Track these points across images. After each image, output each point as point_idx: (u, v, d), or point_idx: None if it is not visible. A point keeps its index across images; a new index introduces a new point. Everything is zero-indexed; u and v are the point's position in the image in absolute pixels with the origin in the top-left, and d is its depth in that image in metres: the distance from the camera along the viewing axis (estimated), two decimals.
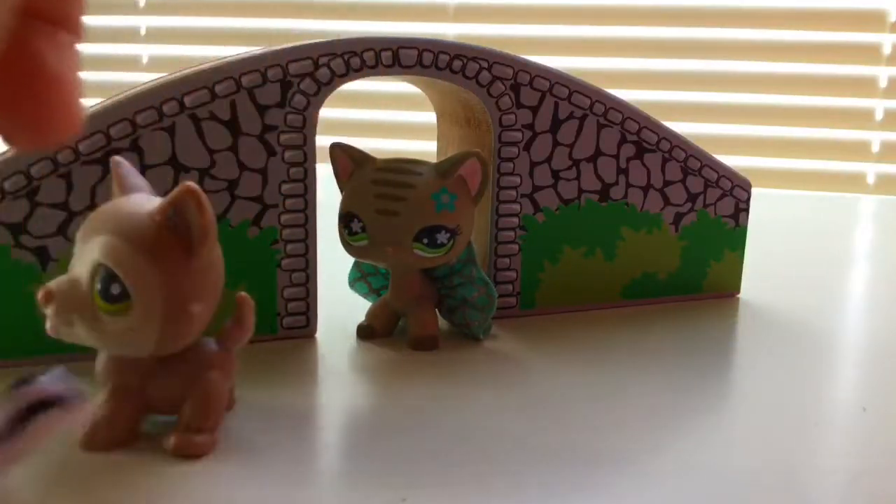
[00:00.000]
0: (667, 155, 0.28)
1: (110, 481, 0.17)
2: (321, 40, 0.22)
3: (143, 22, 1.01)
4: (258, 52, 0.22)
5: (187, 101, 0.21)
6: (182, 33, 1.03)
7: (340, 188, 0.23)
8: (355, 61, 0.23)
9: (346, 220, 0.22)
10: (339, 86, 0.23)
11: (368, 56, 0.23)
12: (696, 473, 0.18)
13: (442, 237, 0.22)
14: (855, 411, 0.21)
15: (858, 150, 0.76)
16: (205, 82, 0.21)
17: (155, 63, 1.03)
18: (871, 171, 0.77)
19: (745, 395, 0.22)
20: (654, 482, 0.17)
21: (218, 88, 0.22)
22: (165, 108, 0.21)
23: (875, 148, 0.76)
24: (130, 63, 1.00)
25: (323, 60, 0.22)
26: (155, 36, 1.03)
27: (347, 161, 0.23)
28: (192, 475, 0.17)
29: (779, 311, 0.29)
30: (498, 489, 0.17)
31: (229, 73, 0.22)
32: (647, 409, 0.21)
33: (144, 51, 1.00)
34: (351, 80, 0.23)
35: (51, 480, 0.17)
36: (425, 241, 0.22)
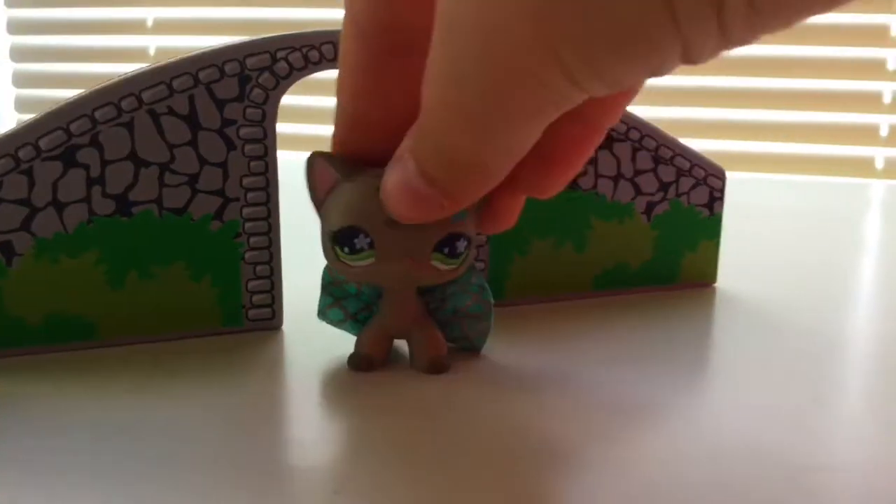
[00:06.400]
0: (637, 144, 0.28)
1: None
2: (279, 34, 0.23)
3: (151, 13, 1.02)
4: (216, 47, 0.22)
5: (145, 96, 0.22)
6: (189, 24, 1.04)
7: (316, 204, 0.21)
8: (314, 54, 0.23)
9: (347, 236, 0.20)
10: (298, 79, 0.23)
11: (327, 49, 0.23)
12: (666, 466, 0.18)
13: (461, 245, 0.20)
14: (824, 404, 0.21)
15: (867, 135, 0.75)
16: (162, 78, 0.22)
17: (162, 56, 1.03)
18: (879, 155, 0.76)
19: (717, 387, 0.22)
20: (624, 475, 0.17)
21: (175, 84, 0.22)
22: (124, 104, 0.22)
23: (884, 132, 0.74)
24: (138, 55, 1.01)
25: (281, 54, 0.23)
26: (162, 27, 1.04)
27: (332, 173, 0.20)
28: (153, 483, 0.17)
29: (755, 301, 0.29)
30: (463, 482, 0.17)
31: (186, 68, 0.22)
32: (618, 402, 0.21)
33: (151, 41, 1.00)
34: (310, 72, 0.23)
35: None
36: (446, 250, 0.20)
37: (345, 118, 0.20)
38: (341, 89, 0.19)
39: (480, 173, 0.17)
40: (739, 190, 0.36)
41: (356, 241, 0.20)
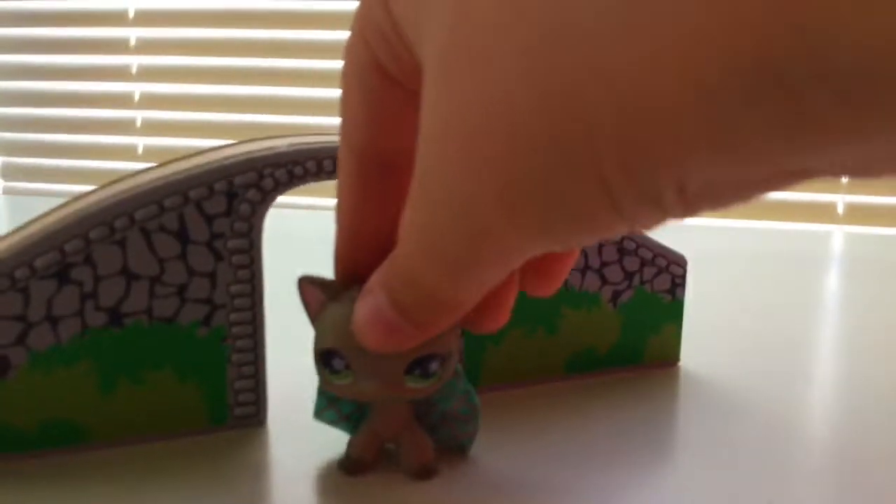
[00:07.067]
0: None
1: None
2: (266, 153, 0.24)
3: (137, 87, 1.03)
4: (205, 165, 0.24)
5: (137, 216, 0.23)
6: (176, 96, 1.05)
7: (312, 323, 0.22)
8: (298, 170, 0.24)
9: (327, 358, 0.21)
10: (283, 192, 0.24)
11: (311, 165, 0.24)
12: None
13: (434, 365, 0.21)
14: (785, 494, 0.22)
15: (827, 179, 0.78)
16: (154, 198, 0.23)
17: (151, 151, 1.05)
18: (840, 200, 0.78)
19: (682, 478, 0.24)
20: None
21: (166, 202, 0.23)
22: (117, 224, 0.23)
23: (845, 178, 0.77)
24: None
25: (267, 171, 0.24)
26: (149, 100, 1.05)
27: (318, 295, 0.21)
28: None
29: (717, 379, 0.31)
30: None
31: (177, 188, 0.23)
32: (594, 498, 0.22)
33: (140, 141, 1.02)
34: (295, 187, 0.24)
35: None
36: (418, 371, 0.21)
37: (342, 232, 0.21)
38: (339, 206, 0.21)
39: (453, 307, 0.18)
40: (701, 238, 0.38)
41: (334, 362, 0.21)
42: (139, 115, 1.13)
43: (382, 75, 0.18)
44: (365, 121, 0.19)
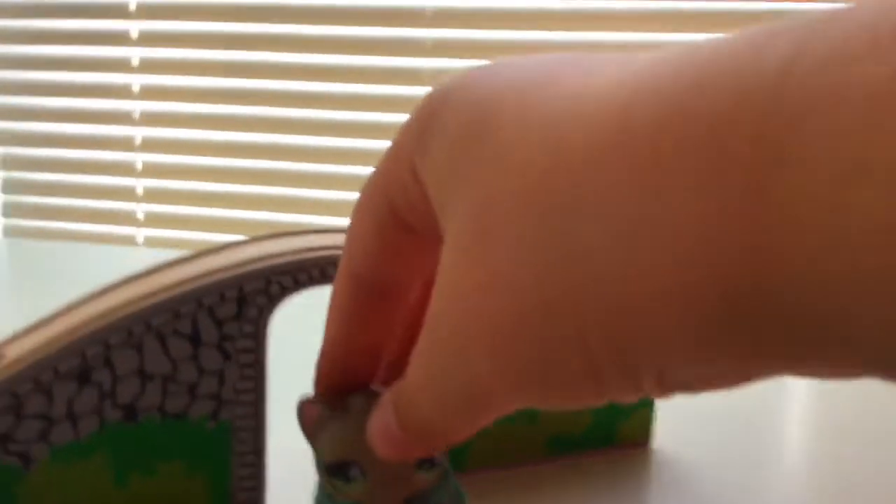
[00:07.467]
0: None
1: None
2: (274, 262, 0.26)
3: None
4: (217, 273, 0.25)
5: (154, 322, 0.25)
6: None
7: (308, 438, 0.23)
8: (303, 277, 0.26)
9: (342, 469, 0.22)
10: (288, 296, 0.26)
11: (315, 272, 0.26)
12: None
13: (439, 456, 0.23)
14: None
15: None
16: (170, 307, 0.25)
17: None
18: None
19: None
20: None
21: (182, 310, 0.25)
22: (135, 330, 0.25)
23: None
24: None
25: (275, 278, 0.26)
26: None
27: (318, 411, 0.23)
28: None
29: (686, 461, 0.33)
30: None
31: (193, 297, 0.25)
32: None
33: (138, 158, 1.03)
34: (299, 291, 0.26)
35: None
36: (427, 465, 0.23)
37: (329, 343, 0.23)
38: (329, 319, 0.23)
39: (448, 437, 0.20)
40: None
41: (350, 472, 0.23)
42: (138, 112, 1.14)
43: (395, 217, 0.20)
44: (371, 250, 0.21)
